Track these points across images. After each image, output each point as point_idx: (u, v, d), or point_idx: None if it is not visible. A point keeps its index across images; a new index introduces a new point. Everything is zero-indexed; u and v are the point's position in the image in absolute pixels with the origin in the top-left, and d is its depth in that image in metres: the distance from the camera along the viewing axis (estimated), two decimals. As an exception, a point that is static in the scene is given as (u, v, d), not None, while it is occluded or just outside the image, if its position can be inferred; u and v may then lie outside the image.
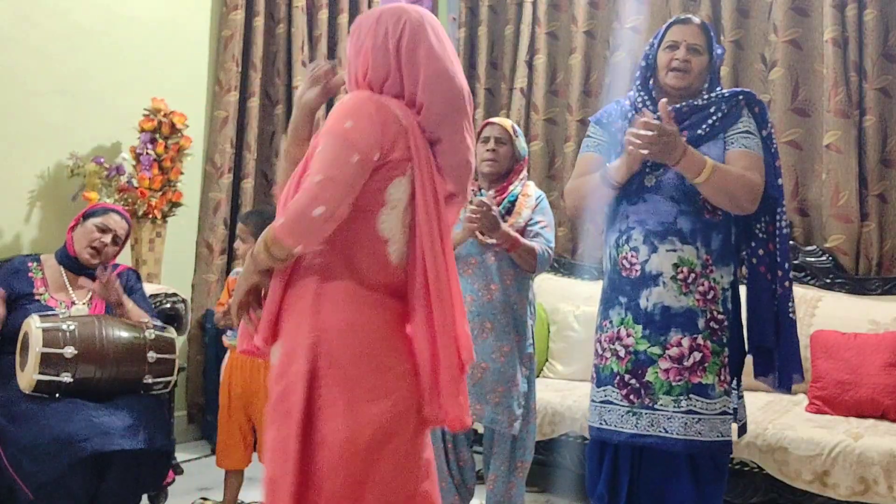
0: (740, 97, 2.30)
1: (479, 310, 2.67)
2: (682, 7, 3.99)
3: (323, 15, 4.31)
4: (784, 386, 2.33)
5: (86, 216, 2.88)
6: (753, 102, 2.31)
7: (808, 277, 3.59)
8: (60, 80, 3.52)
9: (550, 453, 3.30)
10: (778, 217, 2.30)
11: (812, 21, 3.68)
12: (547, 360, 3.83)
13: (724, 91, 2.33)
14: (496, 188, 2.75)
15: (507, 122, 2.82)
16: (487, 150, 2.76)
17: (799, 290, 3.52)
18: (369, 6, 4.43)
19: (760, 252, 2.32)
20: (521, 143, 2.82)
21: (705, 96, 2.31)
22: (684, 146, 2.15)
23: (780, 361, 2.32)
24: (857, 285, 3.48)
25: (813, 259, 3.59)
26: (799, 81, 3.70)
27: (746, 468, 2.90)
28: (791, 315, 2.31)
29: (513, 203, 2.73)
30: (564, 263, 4.23)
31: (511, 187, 2.75)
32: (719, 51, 2.37)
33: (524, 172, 2.83)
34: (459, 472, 2.80)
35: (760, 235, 2.33)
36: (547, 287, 4.06)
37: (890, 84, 3.53)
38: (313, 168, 1.55)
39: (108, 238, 2.84)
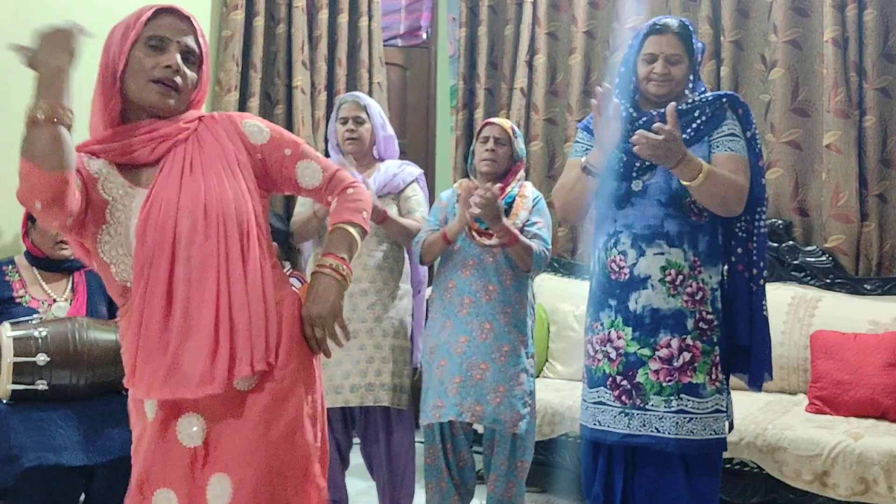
0: (724, 100, 2.32)
1: (478, 311, 2.67)
2: (682, 7, 3.98)
3: (323, 15, 4.31)
4: (755, 384, 2.37)
5: (32, 219, 2.83)
6: (737, 104, 2.33)
7: (808, 277, 3.58)
8: (60, 80, 3.52)
9: (550, 453, 3.30)
10: (758, 216, 2.33)
11: (812, 21, 3.67)
12: (547, 360, 3.83)
13: (707, 94, 2.34)
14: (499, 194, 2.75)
15: (507, 123, 2.83)
16: (486, 150, 2.77)
17: (799, 290, 3.52)
18: (369, 6, 4.43)
19: (739, 250, 2.35)
20: (519, 143, 2.83)
21: (690, 99, 2.32)
22: (684, 151, 2.16)
23: (753, 359, 2.35)
24: (857, 285, 3.48)
25: (813, 259, 3.58)
26: (799, 81, 3.69)
27: (746, 468, 2.90)
28: (764, 313, 2.35)
29: (510, 204, 2.74)
30: (564, 263, 4.22)
31: (508, 188, 2.76)
32: (699, 45, 2.37)
33: (521, 173, 2.84)
34: (459, 473, 2.80)
35: (740, 234, 2.35)
36: (547, 287, 4.06)
37: (890, 84, 3.52)
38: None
39: None
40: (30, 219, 2.84)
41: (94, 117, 1.61)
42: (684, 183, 2.20)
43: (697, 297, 2.28)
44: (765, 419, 2.95)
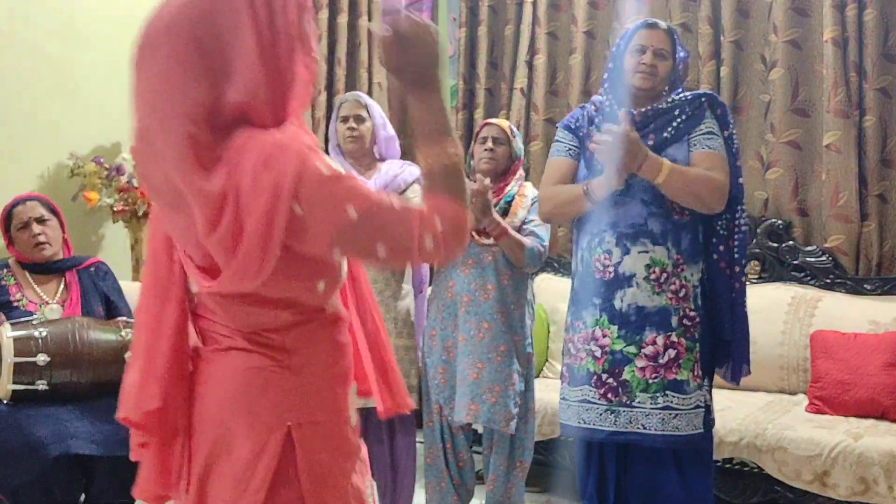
0: (703, 99, 2.36)
1: (476, 310, 2.68)
2: (682, 7, 3.98)
3: (323, 15, 4.31)
4: (735, 378, 2.41)
5: (7, 228, 2.84)
6: (716, 104, 2.38)
7: (808, 277, 3.58)
8: (60, 80, 3.52)
9: (550, 453, 3.30)
10: (738, 215, 2.37)
11: (812, 21, 3.67)
12: (547, 360, 3.83)
13: (687, 94, 2.38)
14: (493, 188, 2.76)
15: (505, 123, 2.84)
16: (485, 150, 2.78)
17: (799, 290, 3.53)
18: (369, 6, 4.43)
19: (721, 248, 2.39)
20: (517, 143, 2.85)
21: (669, 99, 2.36)
22: (646, 151, 2.21)
23: (733, 354, 2.39)
24: (857, 285, 3.48)
25: (813, 259, 3.58)
26: (799, 81, 3.69)
27: (746, 468, 2.90)
28: (745, 309, 2.39)
29: (509, 203, 2.75)
30: (564, 263, 4.22)
31: (508, 188, 2.77)
32: (682, 54, 2.42)
33: (520, 172, 2.85)
34: (459, 473, 2.81)
35: (721, 232, 2.39)
36: (547, 287, 4.06)
37: (890, 84, 3.52)
38: None
39: (37, 228, 2.81)
40: (6, 229, 2.85)
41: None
42: (654, 182, 2.24)
43: (681, 295, 2.31)
44: (765, 419, 2.95)
